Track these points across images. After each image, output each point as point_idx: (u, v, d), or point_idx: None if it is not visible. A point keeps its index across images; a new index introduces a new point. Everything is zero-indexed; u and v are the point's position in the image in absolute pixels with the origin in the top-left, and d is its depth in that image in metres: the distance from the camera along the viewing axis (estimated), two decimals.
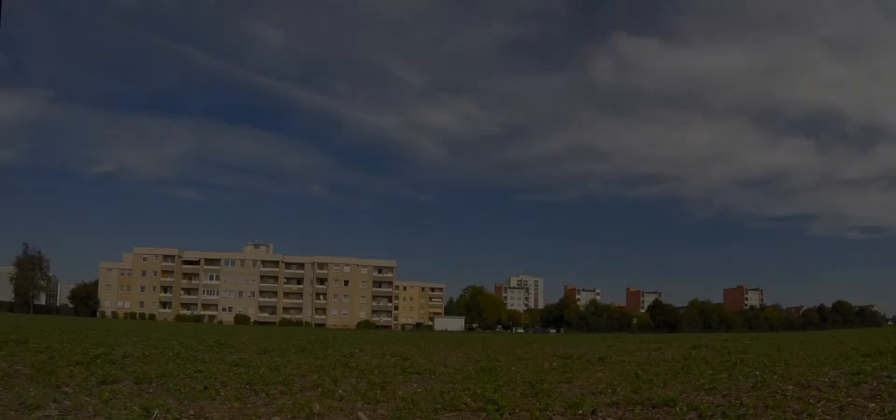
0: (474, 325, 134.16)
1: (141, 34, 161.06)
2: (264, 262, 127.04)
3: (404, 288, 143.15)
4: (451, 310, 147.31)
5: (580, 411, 7.47)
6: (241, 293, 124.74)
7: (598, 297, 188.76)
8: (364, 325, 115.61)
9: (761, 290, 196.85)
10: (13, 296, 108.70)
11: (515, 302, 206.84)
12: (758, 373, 10.34)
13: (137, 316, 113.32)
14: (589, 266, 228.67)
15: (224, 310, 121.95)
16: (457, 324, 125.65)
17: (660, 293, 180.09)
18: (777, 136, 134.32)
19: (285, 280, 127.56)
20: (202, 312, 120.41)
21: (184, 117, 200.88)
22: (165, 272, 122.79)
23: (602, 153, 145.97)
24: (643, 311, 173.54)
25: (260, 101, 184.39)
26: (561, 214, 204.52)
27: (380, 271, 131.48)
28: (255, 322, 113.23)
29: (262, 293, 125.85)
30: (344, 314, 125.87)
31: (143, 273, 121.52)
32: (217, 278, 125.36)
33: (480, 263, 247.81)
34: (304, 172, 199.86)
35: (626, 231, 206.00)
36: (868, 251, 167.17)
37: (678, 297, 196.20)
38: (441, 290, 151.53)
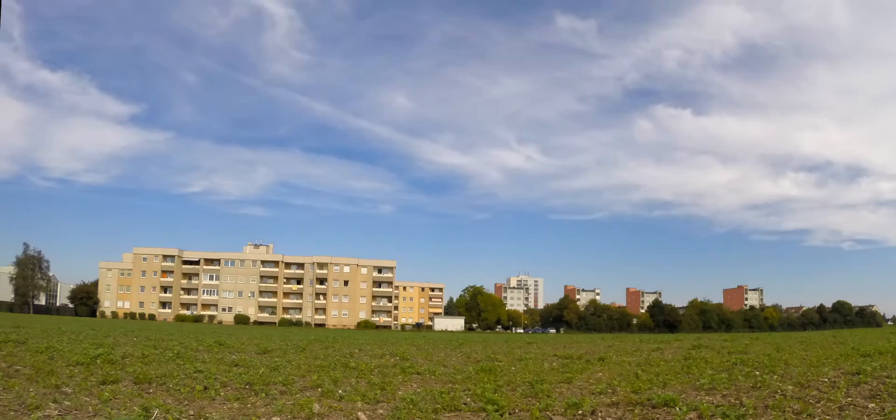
0: (474, 326, 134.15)
1: (278, 93, 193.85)
2: (264, 262, 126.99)
3: (404, 288, 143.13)
4: (450, 310, 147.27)
5: (580, 411, 7.48)
6: (240, 293, 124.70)
7: (598, 298, 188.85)
8: (364, 326, 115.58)
9: (761, 291, 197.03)
10: (13, 296, 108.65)
11: (515, 302, 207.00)
12: (758, 373, 10.35)
13: (137, 316, 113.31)
14: (591, 266, 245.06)
15: (224, 310, 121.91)
16: (457, 324, 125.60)
17: (660, 293, 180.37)
18: (783, 172, 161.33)
19: (285, 280, 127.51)
20: (202, 312, 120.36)
21: (284, 151, 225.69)
22: (165, 272, 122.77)
23: (633, 186, 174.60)
24: (643, 311, 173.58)
25: (362, 144, 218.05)
26: (586, 229, 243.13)
27: (380, 271, 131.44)
28: (255, 322, 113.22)
29: (261, 293, 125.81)
30: (344, 314, 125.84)
31: (143, 273, 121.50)
32: (217, 278, 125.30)
33: (480, 264, 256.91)
34: (376, 195, 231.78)
35: (640, 241, 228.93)
36: (861, 259, 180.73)
37: (678, 298, 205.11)
38: (441, 290, 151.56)
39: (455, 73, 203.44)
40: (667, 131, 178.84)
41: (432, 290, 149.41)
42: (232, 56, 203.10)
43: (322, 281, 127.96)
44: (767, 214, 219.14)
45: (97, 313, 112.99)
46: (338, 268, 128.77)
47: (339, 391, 9.06)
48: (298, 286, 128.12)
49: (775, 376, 9.71)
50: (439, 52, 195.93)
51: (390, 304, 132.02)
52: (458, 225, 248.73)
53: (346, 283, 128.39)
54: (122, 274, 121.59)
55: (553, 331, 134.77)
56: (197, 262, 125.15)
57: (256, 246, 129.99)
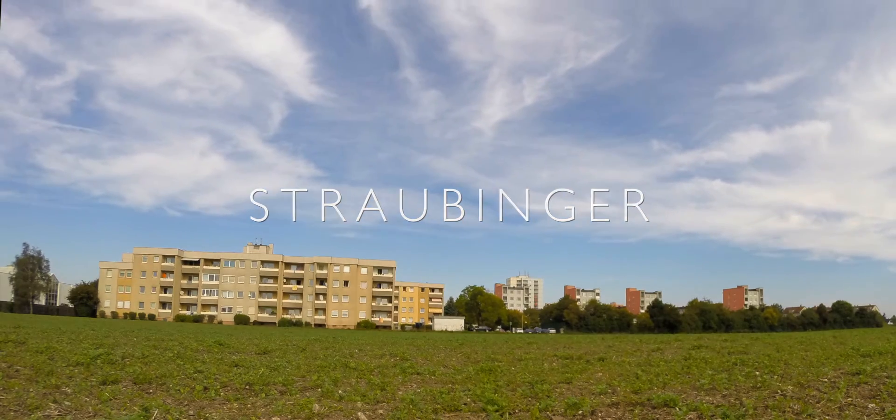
0: (474, 326, 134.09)
1: (433, 161, 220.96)
2: (264, 263, 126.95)
3: (404, 288, 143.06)
4: (450, 310, 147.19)
5: (580, 411, 7.48)
6: (240, 293, 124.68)
7: (597, 298, 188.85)
8: (364, 326, 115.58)
9: (761, 291, 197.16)
10: (13, 296, 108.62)
11: (515, 302, 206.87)
12: (758, 373, 10.35)
13: (137, 316, 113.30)
14: (591, 267, 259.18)
15: (224, 310, 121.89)
16: (456, 324, 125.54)
17: (660, 293, 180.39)
18: (789, 215, 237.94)
19: (285, 280, 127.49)
20: (202, 313, 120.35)
21: (396, 191, 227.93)
22: (165, 272, 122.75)
23: (659, 225, 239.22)
24: (643, 311, 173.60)
25: (461, 188, 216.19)
26: (606, 247, 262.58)
27: (379, 271, 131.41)
28: (255, 322, 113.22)
29: (261, 293, 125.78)
30: (344, 314, 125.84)
31: (143, 273, 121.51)
32: (217, 278, 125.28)
33: (480, 264, 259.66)
34: (458, 224, 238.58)
35: (649, 251, 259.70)
36: (855, 269, 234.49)
37: (678, 298, 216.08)
38: (441, 290, 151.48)
39: (564, 159, 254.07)
40: (700, 191, 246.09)
41: (432, 290, 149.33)
42: (424, 147, 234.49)
43: (322, 281, 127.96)
44: (774, 237, 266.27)
45: (97, 313, 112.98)
46: (337, 268, 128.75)
47: (339, 391, 9.05)
48: (298, 286, 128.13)
49: (775, 376, 9.72)
50: (557, 155, 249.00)
51: (390, 305, 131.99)
52: (506, 239, 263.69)
53: (345, 283, 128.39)
54: (122, 274, 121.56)
55: (553, 331, 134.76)
56: (197, 263, 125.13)
57: (256, 246, 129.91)
